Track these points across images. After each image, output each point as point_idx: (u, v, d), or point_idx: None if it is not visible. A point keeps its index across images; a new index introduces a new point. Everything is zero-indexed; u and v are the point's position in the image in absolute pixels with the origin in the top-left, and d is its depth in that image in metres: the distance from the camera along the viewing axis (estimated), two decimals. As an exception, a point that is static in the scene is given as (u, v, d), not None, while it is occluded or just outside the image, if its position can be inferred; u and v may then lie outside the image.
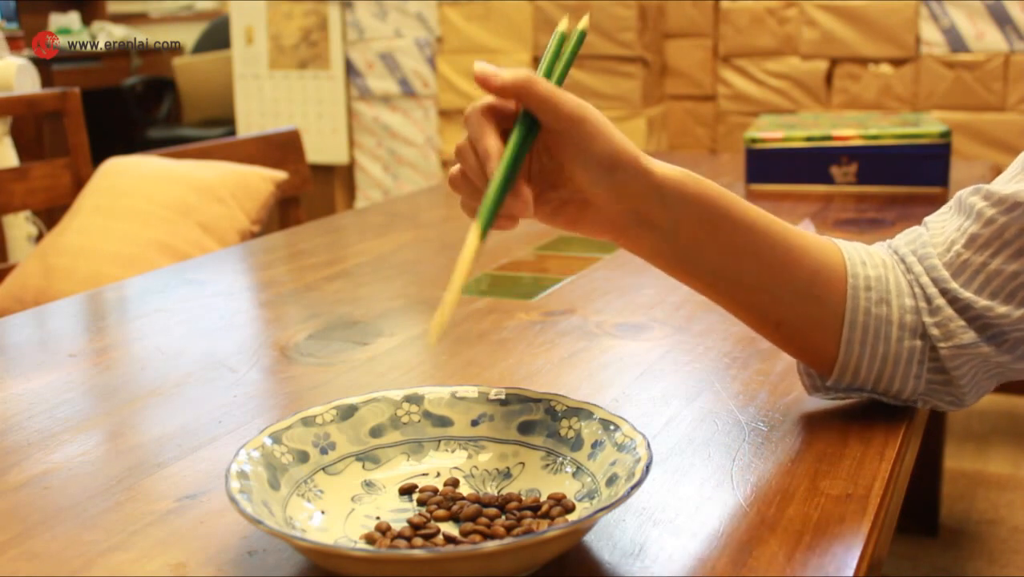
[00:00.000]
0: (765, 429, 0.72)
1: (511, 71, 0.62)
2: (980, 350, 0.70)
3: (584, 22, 0.69)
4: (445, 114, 3.14)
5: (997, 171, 0.75)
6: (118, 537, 0.59)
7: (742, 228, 0.69)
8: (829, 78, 2.81)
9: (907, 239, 0.74)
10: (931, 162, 1.58)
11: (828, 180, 1.63)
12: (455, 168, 0.66)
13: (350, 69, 3.23)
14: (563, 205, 0.68)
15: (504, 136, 0.63)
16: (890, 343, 0.71)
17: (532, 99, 0.62)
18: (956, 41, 2.66)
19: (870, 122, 1.72)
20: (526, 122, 0.63)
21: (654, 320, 0.99)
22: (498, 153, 0.62)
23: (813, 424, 0.73)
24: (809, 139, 1.64)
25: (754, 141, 1.66)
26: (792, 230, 0.71)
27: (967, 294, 0.69)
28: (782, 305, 0.72)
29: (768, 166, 1.65)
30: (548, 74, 0.66)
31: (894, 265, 0.73)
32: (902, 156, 1.59)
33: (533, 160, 0.67)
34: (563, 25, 0.68)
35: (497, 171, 0.61)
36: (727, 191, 0.69)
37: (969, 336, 0.69)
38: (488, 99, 0.64)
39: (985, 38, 2.64)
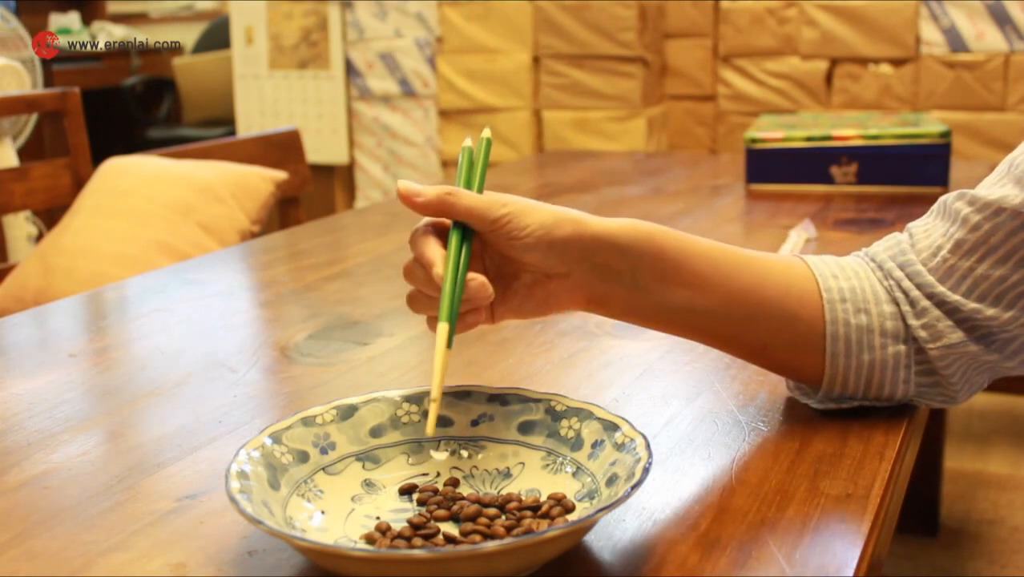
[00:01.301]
0: (765, 429, 0.73)
1: (432, 190, 0.65)
2: (968, 349, 0.70)
3: (486, 132, 0.71)
4: (445, 114, 3.14)
5: (996, 172, 0.75)
6: (118, 537, 0.59)
7: (700, 259, 0.69)
8: (829, 78, 2.81)
9: (885, 246, 0.75)
10: (931, 162, 1.58)
11: (828, 180, 1.63)
12: (412, 289, 0.67)
13: (350, 69, 3.23)
14: (530, 291, 0.68)
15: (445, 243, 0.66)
16: (874, 351, 0.71)
17: (456, 213, 0.65)
18: (956, 41, 2.66)
19: (870, 122, 1.72)
20: (459, 225, 0.65)
21: (654, 320, 0.99)
22: (441, 258, 0.64)
23: (813, 424, 0.73)
24: (809, 139, 1.64)
25: (754, 141, 1.66)
26: (752, 255, 0.72)
27: (955, 297, 0.69)
28: (761, 329, 0.72)
29: (768, 166, 1.65)
30: (468, 184, 0.68)
31: (868, 274, 0.73)
32: (902, 156, 1.59)
33: (485, 261, 0.68)
34: (467, 142, 0.71)
35: (446, 268, 0.63)
36: (676, 230, 0.70)
37: (957, 335, 0.70)
38: (428, 220, 0.66)
39: (985, 38, 2.64)
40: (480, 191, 0.68)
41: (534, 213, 0.65)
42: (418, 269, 0.65)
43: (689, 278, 0.69)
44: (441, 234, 0.66)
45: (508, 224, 0.65)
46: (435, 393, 0.60)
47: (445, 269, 0.63)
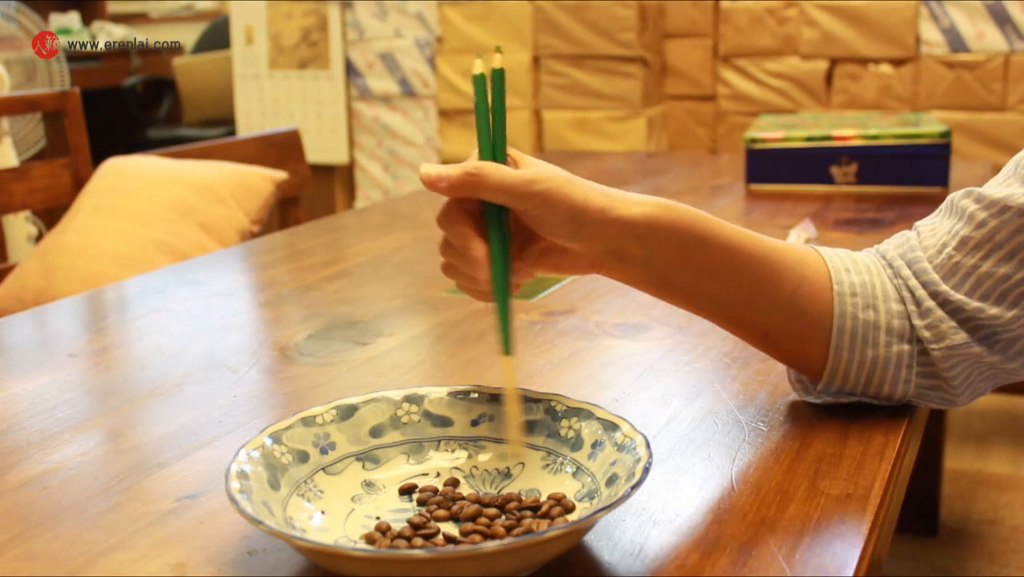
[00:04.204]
0: (765, 429, 0.72)
1: (455, 170, 0.64)
2: (972, 350, 0.70)
3: (497, 60, 0.69)
4: (445, 114, 3.13)
5: (997, 171, 0.75)
6: (118, 537, 0.59)
7: (719, 250, 0.69)
8: (829, 78, 2.81)
9: (896, 243, 0.75)
10: (931, 162, 1.58)
11: (828, 180, 1.63)
12: (446, 261, 0.68)
13: (350, 69, 3.23)
14: (543, 255, 0.70)
15: (477, 220, 0.65)
16: (878, 348, 0.71)
17: (485, 192, 0.64)
18: (956, 41, 2.66)
19: (870, 122, 1.72)
20: (493, 211, 0.65)
21: (654, 320, 0.99)
22: (485, 258, 0.64)
23: (813, 424, 0.73)
24: (809, 139, 1.63)
25: (754, 141, 1.66)
26: (771, 245, 0.72)
27: (958, 296, 0.69)
28: (766, 318, 0.72)
29: (768, 166, 1.65)
30: (494, 137, 0.67)
31: (880, 270, 0.73)
32: (902, 156, 1.59)
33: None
34: (478, 68, 0.69)
35: (496, 293, 0.65)
36: (703, 214, 0.70)
37: (960, 336, 0.70)
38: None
39: (985, 38, 2.64)
40: (503, 148, 0.66)
41: (564, 205, 0.65)
42: (457, 253, 0.66)
43: (701, 265, 0.70)
44: (471, 211, 0.65)
45: (539, 208, 0.65)
46: (516, 416, 0.65)
47: (493, 289, 0.64)
